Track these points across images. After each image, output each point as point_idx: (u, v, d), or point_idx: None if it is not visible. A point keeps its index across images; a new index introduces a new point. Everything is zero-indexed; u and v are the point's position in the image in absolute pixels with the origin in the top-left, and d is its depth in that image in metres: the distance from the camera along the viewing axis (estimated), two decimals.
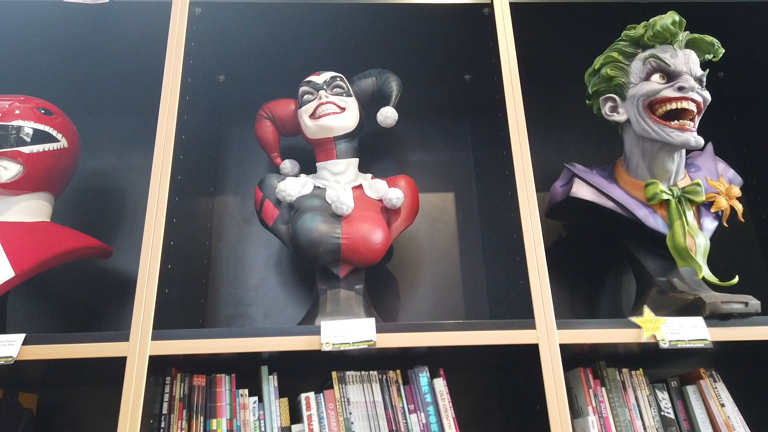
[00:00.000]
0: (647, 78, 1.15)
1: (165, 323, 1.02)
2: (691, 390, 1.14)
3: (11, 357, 0.91)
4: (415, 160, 1.55)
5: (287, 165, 1.34)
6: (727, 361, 1.25)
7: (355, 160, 1.29)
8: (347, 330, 0.97)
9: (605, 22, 1.36)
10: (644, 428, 1.09)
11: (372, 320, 0.98)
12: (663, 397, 1.13)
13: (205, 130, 1.43)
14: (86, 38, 1.38)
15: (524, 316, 1.05)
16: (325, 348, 0.95)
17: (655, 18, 1.17)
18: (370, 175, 1.30)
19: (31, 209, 1.18)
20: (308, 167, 1.37)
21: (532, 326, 1.00)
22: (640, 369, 1.14)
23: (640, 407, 1.11)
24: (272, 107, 1.36)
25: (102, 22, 1.31)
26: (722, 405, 1.11)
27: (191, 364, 1.06)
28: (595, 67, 1.24)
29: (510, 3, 1.27)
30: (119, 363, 0.97)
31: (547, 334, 0.99)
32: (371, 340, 0.96)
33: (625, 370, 1.14)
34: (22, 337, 0.94)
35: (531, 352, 0.99)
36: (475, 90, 1.54)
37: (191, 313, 1.25)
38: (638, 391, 1.13)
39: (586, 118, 1.55)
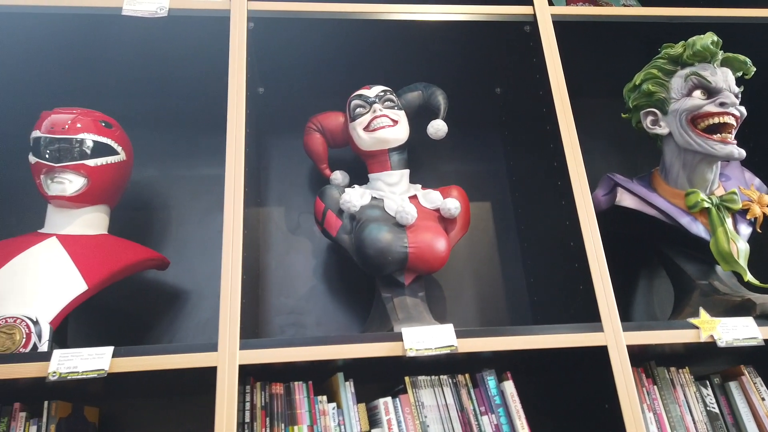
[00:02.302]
0: (689, 94, 1.23)
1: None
2: (733, 386, 1.21)
3: (104, 370, 0.92)
4: (451, 171, 1.60)
5: (338, 176, 1.37)
6: (763, 357, 1.33)
7: (407, 171, 1.33)
8: (429, 336, 1.01)
9: (629, 40, 1.45)
10: (694, 423, 1.16)
11: (451, 326, 1.03)
12: (707, 393, 1.20)
13: (250, 142, 1.45)
14: (130, 51, 1.38)
15: (585, 319, 1.10)
16: (410, 354, 0.99)
17: (694, 38, 1.25)
18: (419, 186, 1.35)
19: (92, 222, 1.19)
20: (353, 178, 1.41)
21: (600, 329, 1.06)
22: (686, 367, 1.21)
23: (689, 404, 1.18)
24: (321, 119, 1.39)
25: (142, 35, 1.32)
26: (763, 399, 1.19)
27: (267, 373, 1.07)
28: (636, 83, 1.32)
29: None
30: (194, 374, 0.99)
31: (615, 336, 1.05)
32: (453, 345, 1.00)
33: (672, 369, 1.21)
34: (110, 349, 0.94)
35: (599, 353, 1.05)
36: (506, 102, 1.60)
37: (248, 323, 1.27)
38: (686, 388, 1.20)
39: (609, 129, 1.64)
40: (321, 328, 1.37)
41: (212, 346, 0.98)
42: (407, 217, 1.16)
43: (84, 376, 0.91)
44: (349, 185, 1.36)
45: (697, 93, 1.23)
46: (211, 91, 1.53)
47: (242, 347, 0.98)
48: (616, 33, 1.43)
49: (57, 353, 0.93)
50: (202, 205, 1.47)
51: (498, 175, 1.60)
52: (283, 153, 1.55)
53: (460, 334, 1.02)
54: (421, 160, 1.60)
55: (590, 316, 1.09)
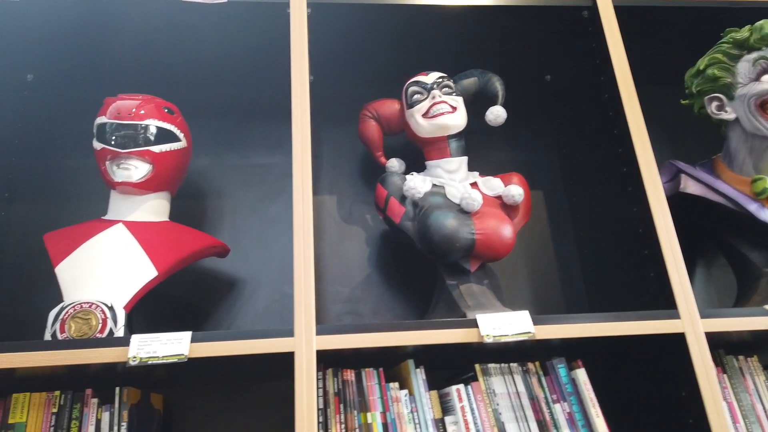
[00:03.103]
0: (757, 78, 1.21)
1: None
2: None
3: (184, 355, 0.91)
4: (500, 159, 1.58)
5: (395, 163, 1.36)
6: None
7: (466, 159, 1.31)
8: (505, 322, 1.00)
9: (687, 25, 1.43)
10: (765, 412, 1.14)
11: (527, 312, 1.01)
12: None
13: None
14: (184, 39, 1.38)
15: (655, 306, 1.09)
16: (487, 340, 0.98)
17: (761, 22, 1.22)
18: (477, 173, 1.33)
19: (156, 209, 1.18)
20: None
21: (676, 316, 1.04)
22: (755, 356, 1.19)
23: (759, 392, 1.16)
24: (377, 107, 1.37)
25: (196, 23, 1.32)
26: None
27: (335, 359, 1.07)
28: (699, 68, 1.29)
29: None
30: (259, 360, 0.98)
31: (692, 323, 1.03)
32: (530, 332, 0.99)
33: (740, 358, 1.19)
34: (188, 334, 0.94)
35: (675, 341, 1.03)
36: (558, 90, 1.58)
37: None
38: (755, 377, 1.18)
39: (661, 116, 1.62)
40: (377, 317, 1.36)
41: (288, 332, 0.97)
42: (473, 204, 1.15)
43: (164, 361, 0.91)
44: (406, 173, 1.35)
45: (766, 77, 1.20)
46: (262, 80, 1.53)
47: (318, 332, 0.97)
48: (673, 18, 1.41)
49: (136, 338, 0.92)
50: (254, 194, 1.46)
51: (549, 164, 1.58)
52: (333, 142, 1.54)
53: (535, 321, 1.01)
54: (468, 148, 1.59)
55: (663, 303, 1.08)
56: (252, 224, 1.43)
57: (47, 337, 0.98)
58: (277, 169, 1.50)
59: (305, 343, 0.96)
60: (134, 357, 0.90)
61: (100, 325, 0.97)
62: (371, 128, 1.37)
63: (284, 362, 1.05)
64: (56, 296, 1.27)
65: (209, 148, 1.48)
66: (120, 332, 0.99)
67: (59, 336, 0.97)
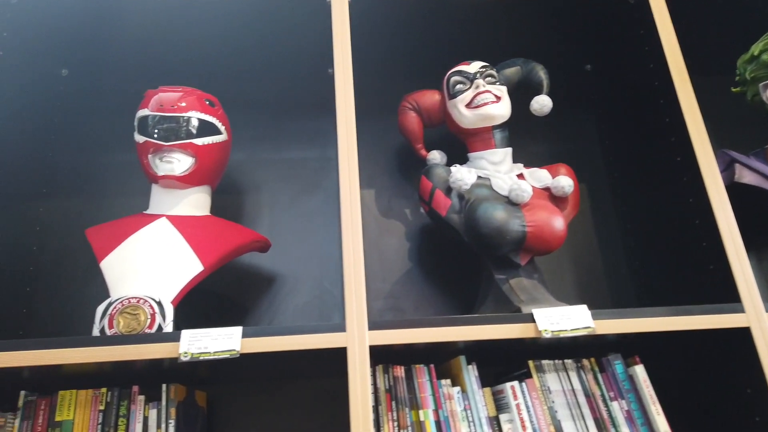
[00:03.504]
0: None
1: None
2: None
3: (235, 350, 0.89)
4: (541, 151, 1.55)
5: (436, 155, 1.33)
6: None
7: (510, 150, 1.28)
8: (563, 317, 0.96)
9: (734, 11, 1.38)
10: None
11: (585, 307, 0.98)
12: None
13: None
14: (218, 33, 1.36)
15: (715, 300, 1.05)
16: (545, 335, 0.94)
17: None
18: (521, 165, 1.29)
19: (198, 203, 1.16)
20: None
21: (740, 310, 1.00)
22: None
23: None
24: (417, 98, 1.34)
25: (230, 15, 1.30)
26: None
27: (384, 355, 1.04)
28: (753, 54, 1.25)
29: None
30: (305, 356, 0.96)
31: (758, 316, 0.99)
32: (590, 327, 0.96)
33: None
34: (239, 330, 0.92)
35: (739, 335, 0.99)
36: (600, 79, 1.54)
37: None
38: None
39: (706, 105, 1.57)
40: (419, 313, 1.33)
41: (340, 327, 0.94)
42: (523, 195, 1.12)
43: (216, 357, 0.88)
44: (447, 165, 1.31)
45: None
46: (297, 73, 1.51)
47: (370, 327, 0.95)
48: (721, 4, 1.37)
49: (186, 333, 0.90)
50: (291, 188, 1.44)
51: (591, 155, 1.54)
52: (370, 135, 1.51)
53: (594, 316, 0.97)
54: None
55: (724, 297, 1.04)
56: (290, 219, 1.41)
57: (95, 332, 0.96)
58: (312, 163, 1.47)
59: (357, 339, 0.94)
60: (185, 353, 0.88)
61: (149, 320, 0.95)
62: (411, 120, 1.34)
63: (328, 359, 1.03)
64: (95, 291, 1.27)
65: (244, 142, 1.46)
66: (168, 327, 0.97)
67: (108, 331, 0.95)
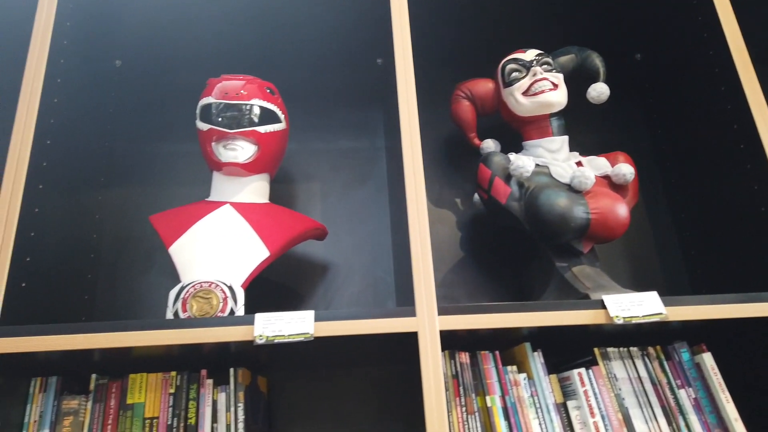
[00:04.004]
0: None
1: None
2: None
3: (309, 333, 0.90)
4: (589, 141, 1.53)
5: (490, 144, 1.32)
6: None
7: (567, 138, 1.27)
8: (634, 303, 0.96)
9: None
10: None
11: (655, 293, 0.97)
12: None
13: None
14: (271, 22, 1.37)
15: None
16: (617, 321, 0.94)
17: None
18: (577, 153, 1.29)
19: (258, 190, 1.17)
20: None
21: None
22: None
23: None
24: (471, 86, 1.34)
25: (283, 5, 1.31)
26: None
27: (451, 341, 1.04)
28: None
29: None
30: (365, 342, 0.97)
31: None
32: (662, 313, 0.95)
33: None
34: (311, 313, 0.92)
35: None
36: (651, 68, 1.53)
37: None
38: None
39: None
40: (473, 301, 1.33)
41: (410, 312, 0.94)
42: (586, 182, 1.11)
43: (290, 340, 0.89)
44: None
45: None
46: (348, 63, 1.51)
47: (440, 313, 0.95)
48: None
49: (260, 317, 0.91)
50: (342, 178, 1.45)
51: (639, 144, 1.53)
52: (420, 124, 1.50)
53: (665, 302, 0.97)
54: None
55: None
56: (341, 208, 1.41)
57: (169, 315, 0.98)
58: (363, 153, 1.48)
59: (428, 323, 0.94)
60: (260, 335, 0.89)
61: (221, 304, 0.96)
62: (465, 109, 1.34)
63: (389, 346, 1.03)
64: (153, 277, 1.29)
65: (296, 132, 1.47)
66: (240, 311, 0.98)
67: (181, 315, 0.96)
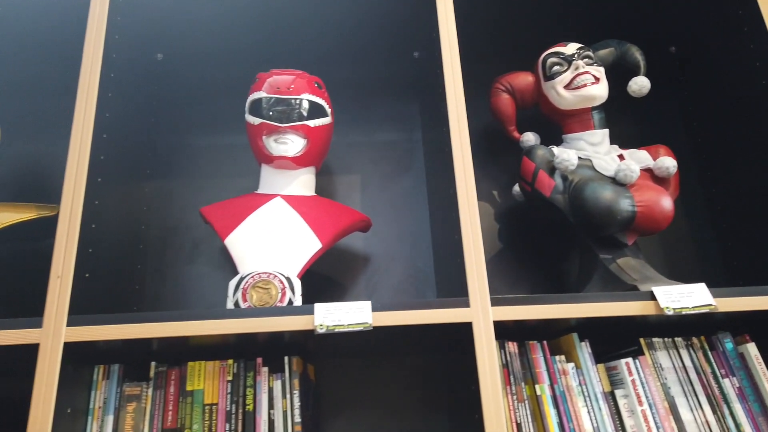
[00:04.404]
0: None
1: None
2: None
3: (368, 323, 0.92)
4: (624, 134, 1.53)
5: (530, 137, 1.34)
6: None
7: (608, 131, 1.28)
8: (683, 295, 0.98)
9: None
10: None
11: (704, 285, 0.99)
12: None
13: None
14: (311, 16, 1.38)
15: None
16: (667, 312, 0.96)
17: None
18: (617, 146, 1.30)
19: (306, 183, 1.19)
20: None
21: None
22: None
23: None
24: (510, 80, 1.35)
25: None
26: None
27: (499, 331, 1.06)
28: None
29: None
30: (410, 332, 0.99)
31: None
32: (711, 305, 0.97)
33: None
34: (368, 304, 0.95)
35: None
36: (686, 61, 1.54)
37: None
38: None
39: None
40: (511, 292, 1.35)
41: (464, 302, 0.97)
42: (632, 175, 1.13)
43: (350, 329, 0.92)
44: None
45: None
46: (385, 56, 1.52)
47: (493, 304, 0.97)
48: None
49: (319, 307, 0.93)
50: (380, 170, 1.47)
51: (675, 136, 1.54)
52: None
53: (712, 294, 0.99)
54: None
55: None
56: (381, 200, 1.43)
57: (230, 305, 1.00)
58: (401, 145, 1.50)
59: (482, 314, 0.96)
60: (321, 325, 0.92)
61: (280, 294, 0.99)
62: (505, 102, 1.36)
63: (429, 335, 1.06)
64: (200, 268, 1.32)
65: (334, 125, 1.48)
66: (298, 301, 1.01)
67: (242, 305, 0.99)
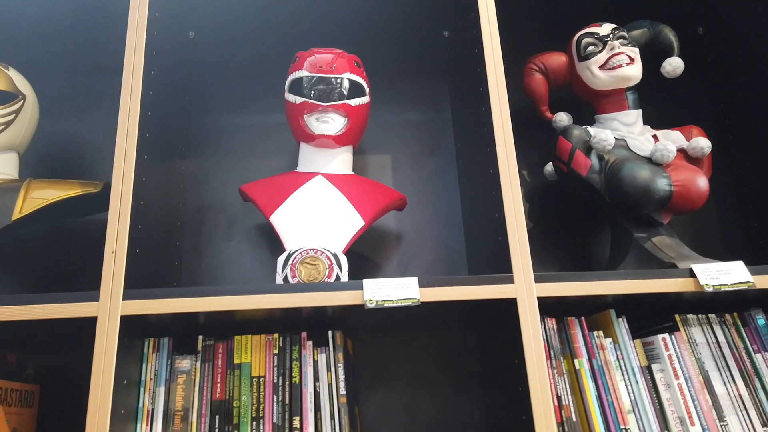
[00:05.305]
0: None
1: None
2: None
3: (416, 298, 0.95)
4: (654, 114, 1.55)
5: (563, 117, 1.35)
6: None
7: (641, 111, 1.30)
8: (721, 272, 1.00)
9: None
10: None
11: (741, 263, 1.01)
12: None
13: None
14: None
15: None
16: (707, 289, 0.98)
17: None
18: (649, 126, 1.31)
19: (345, 162, 1.21)
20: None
21: None
22: None
23: None
24: (544, 60, 1.36)
25: None
26: None
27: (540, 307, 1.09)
28: None
29: None
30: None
31: None
32: (749, 281, 0.99)
33: None
34: (415, 279, 0.97)
35: None
36: (715, 43, 1.54)
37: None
38: None
39: None
40: (544, 269, 1.38)
41: (509, 279, 0.99)
42: (669, 155, 1.14)
43: (399, 304, 0.94)
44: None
45: None
46: (415, 36, 1.53)
47: (536, 280, 0.99)
48: None
49: (368, 282, 0.96)
50: (411, 149, 1.48)
51: (703, 117, 1.55)
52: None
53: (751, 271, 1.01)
54: None
55: None
56: (412, 179, 1.45)
57: (279, 281, 1.03)
58: (430, 125, 1.51)
59: (526, 290, 0.99)
60: (371, 300, 0.94)
61: (327, 270, 1.01)
62: (538, 82, 1.36)
63: (466, 311, 1.08)
64: (236, 244, 1.34)
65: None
66: (344, 277, 1.03)
67: (291, 280, 1.01)
